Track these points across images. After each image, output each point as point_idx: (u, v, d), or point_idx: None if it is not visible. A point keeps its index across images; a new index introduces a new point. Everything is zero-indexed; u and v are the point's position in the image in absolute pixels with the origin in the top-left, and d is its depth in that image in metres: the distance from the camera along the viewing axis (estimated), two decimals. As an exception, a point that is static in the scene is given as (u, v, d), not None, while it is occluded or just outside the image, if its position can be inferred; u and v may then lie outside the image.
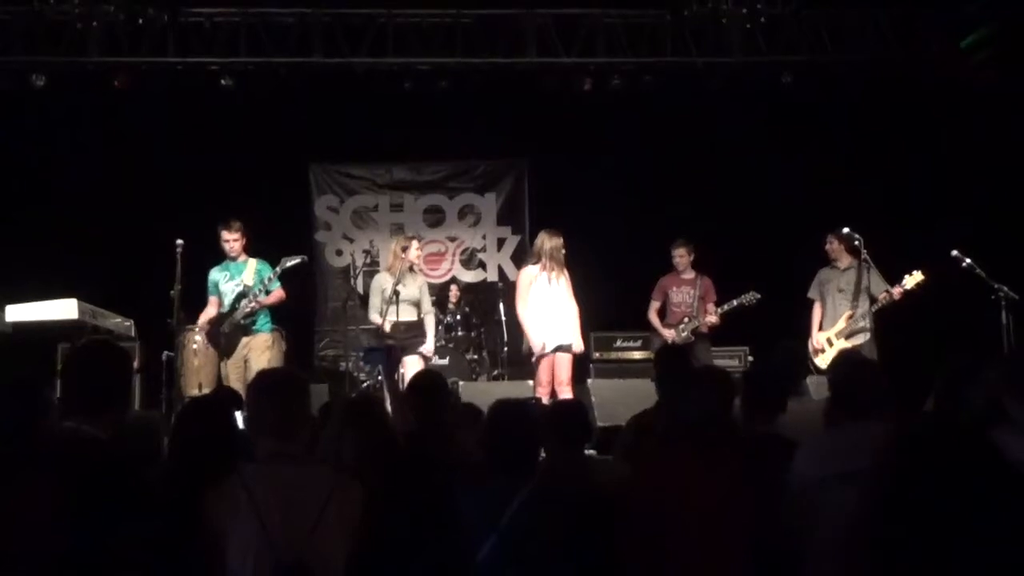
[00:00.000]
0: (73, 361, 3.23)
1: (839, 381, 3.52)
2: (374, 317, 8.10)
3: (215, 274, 7.96)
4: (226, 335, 7.79)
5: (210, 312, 7.91)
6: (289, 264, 7.74)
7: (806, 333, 8.45)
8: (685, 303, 8.71)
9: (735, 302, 8.52)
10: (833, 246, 8.44)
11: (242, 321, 7.76)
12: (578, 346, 8.06)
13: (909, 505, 1.47)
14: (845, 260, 8.42)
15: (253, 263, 7.93)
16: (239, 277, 7.89)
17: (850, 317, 8.22)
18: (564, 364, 7.89)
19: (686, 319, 8.63)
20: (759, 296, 8.47)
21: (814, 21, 9.85)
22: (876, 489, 1.51)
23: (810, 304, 8.56)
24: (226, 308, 7.85)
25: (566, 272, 8.03)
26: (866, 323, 8.10)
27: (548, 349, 7.85)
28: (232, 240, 7.88)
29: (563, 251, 8.00)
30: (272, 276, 7.71)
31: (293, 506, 2.89)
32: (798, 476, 3.30)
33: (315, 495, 2.93)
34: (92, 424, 2.94)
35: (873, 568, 1.53)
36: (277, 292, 7.84)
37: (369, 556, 3.06)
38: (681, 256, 8.74)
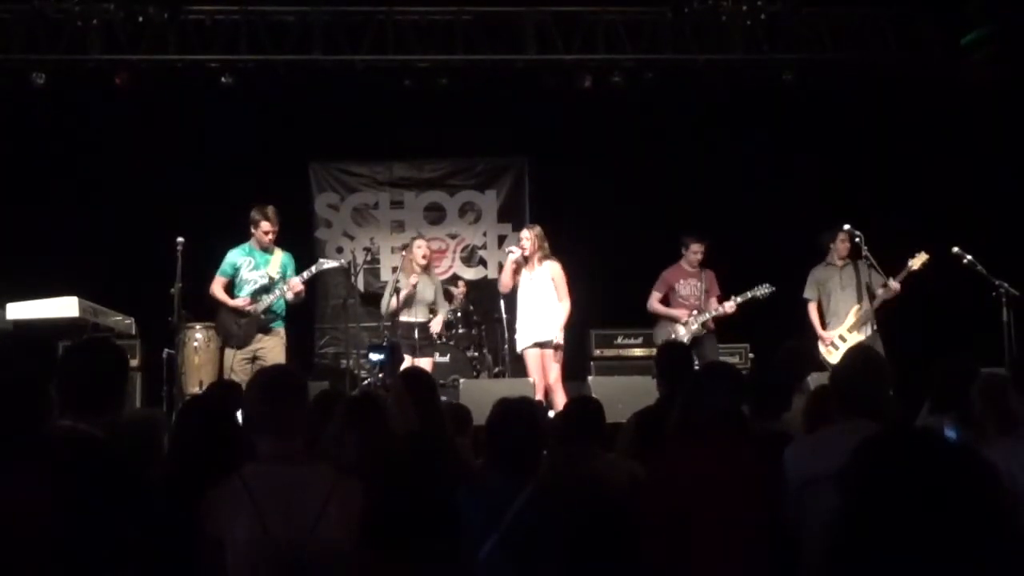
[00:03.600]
0: (69, 359, 3.22)
1: (839, 377, 3.50)
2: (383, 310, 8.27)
3: (238, 257, 7.72)
4: (243, 326, 7.62)
5: (221, 292, 7.63)
6: (326, 266, 7.80)
7: (805, 330, 8.43)
8: (693, 296, 8.52)
9: (749, 294, 8.37)
10: (846, 244, 8.31)
11: (263, 316, 7.62)
12: (556, 339, 7.88)
13: (868, 513, 1.47)
14: (845, 258, 8.39)
15: (279, 255, 7.77)
16: (264, 268, 7.70)
17: (859, 311, 8.21)
18: (551, 362, 7.83)
19: (695, 312, 8.43)
20: (773, 288, 8.32)
21: (814, 19, 9.85)
22: (839, 495, 1.51)
23: (804, 303, 8.51)
24: (243, 296, 7.64)
25: (549, 264, 7.92)
26: (870, 317, 8.10)
27: (523, 345, 7.89)
28: (272, 231, 7.65)
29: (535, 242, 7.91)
30: (305, 276, 7.61)
31: (294, 505, 2.89)
32: (785, 477, 3.29)
33: (315, 494, 2.93)
34: (88, 422, 2.94)
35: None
36: (298, 284, 7.60)
37: (370, 550, 3.06)
38: (701, 252, 8.52)
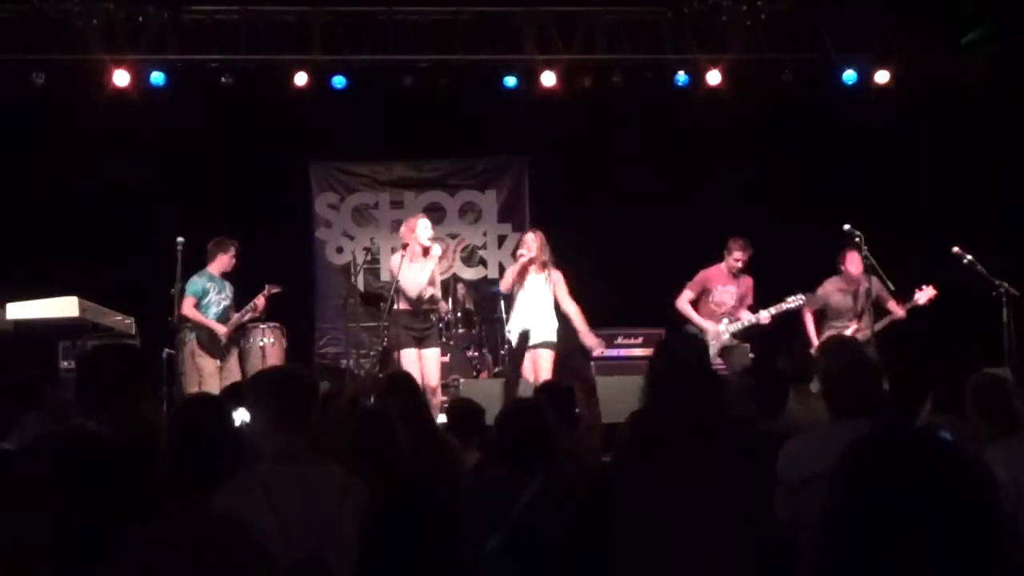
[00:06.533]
0: (83, 361, 3.27)
1: (832, 376, 3.48)
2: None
3: (206, 283, 8.18)
4: (225, 344, 8.17)
5: (199, 314, 8.10)
6: (274, 291, 8.29)
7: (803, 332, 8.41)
8: (727, 303, 8.30)
9: (784, 306, 8.21)
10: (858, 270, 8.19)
11: (234, 333, 8.29)
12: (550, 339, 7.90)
13: (855, 513, 1.46)
14: (857, 278, 8.27)
15: (228, 283, 8.37)
16: (225, 292, 8.29)
17: (856, 331, 8.18)
18: (544, 360, 7.84)
19: (726, 319, 8.28)
20: (804, 299, 8.23)
21: (814, 18, 9.85)
22: (829, 495, 1.51)
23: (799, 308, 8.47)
24: (211, 318, 8.14)
25: (551, 273, 7.94)
26: (868, 331, 8.12)
27: (521, 344, 7.87)
28: (236, 260, 8.33)
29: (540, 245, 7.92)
30: (266, 293, 8.29)
31: (309, 504, 2.90)
32: (779, 477, 3.29)
33: (330, 493, 2.94)
34: (98, 421, 2.96)
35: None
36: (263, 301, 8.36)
37: (376, 551, 3.07)
38: (744, 262, 8.25)
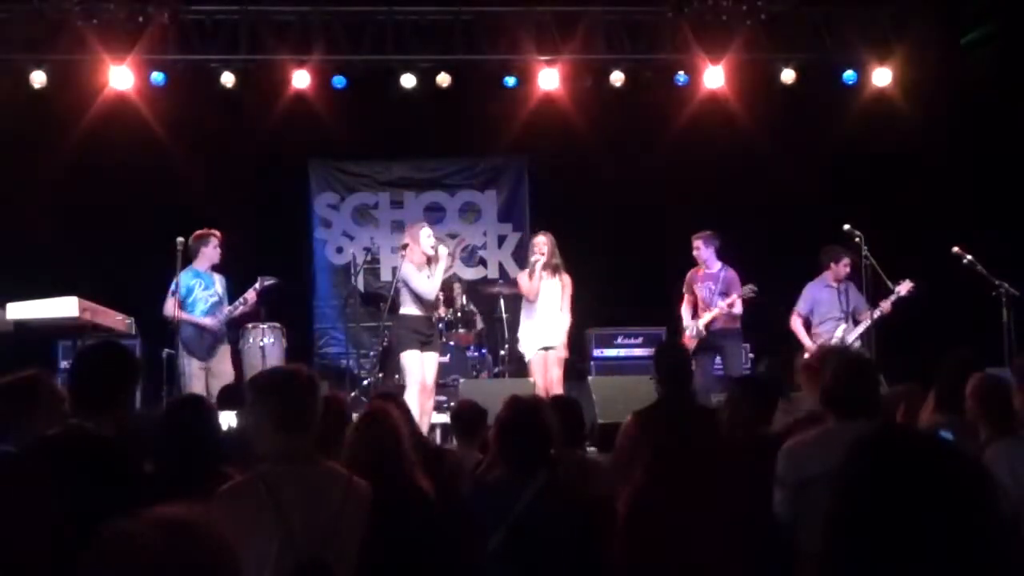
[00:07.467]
0: (78, 360, 3.26)
1: (830, 379, 3.49)
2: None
3: (190, 279, 8.04)
4: (207, 340, 8.03)
5: (181, 312, 7.97)
6: (267, 283, 8.13)
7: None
8: (705, 298, 8.43)
9: (735, 296, 8.36)
10: (846, 269, 8.28)
11: (224, 329, 8.15)
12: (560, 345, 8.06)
13: (856, 513, 1.46)
14: (842, 280, 8.36)
15: (217, 276, 8.22)
16: (213, 288, 8.15)
17: (847, 330, 8.21)
18: (553, 365, 8.00)
19: (706, 314, 8.38)
20: (756, 289, 8.36)
21: (814, 19, 9.85)
22: (830, 496, 1.51)
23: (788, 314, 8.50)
24: (198, 314, 8.00)
25: (560, 277, 8.06)
26: (856, 338, 8.14)
27: (530, 352, 8.04)
28: (220, 250, 8.15)
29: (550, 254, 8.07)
30: (257, 287, 8.08)
31: (313, 505, 2.90)
32: (779, 478, 3.29)
33: (332, 494, 2.94)
34: (96, 421, 2.96)
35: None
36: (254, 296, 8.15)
37: (378, 551, 3.07)
38: (696, 249, 8.51)
